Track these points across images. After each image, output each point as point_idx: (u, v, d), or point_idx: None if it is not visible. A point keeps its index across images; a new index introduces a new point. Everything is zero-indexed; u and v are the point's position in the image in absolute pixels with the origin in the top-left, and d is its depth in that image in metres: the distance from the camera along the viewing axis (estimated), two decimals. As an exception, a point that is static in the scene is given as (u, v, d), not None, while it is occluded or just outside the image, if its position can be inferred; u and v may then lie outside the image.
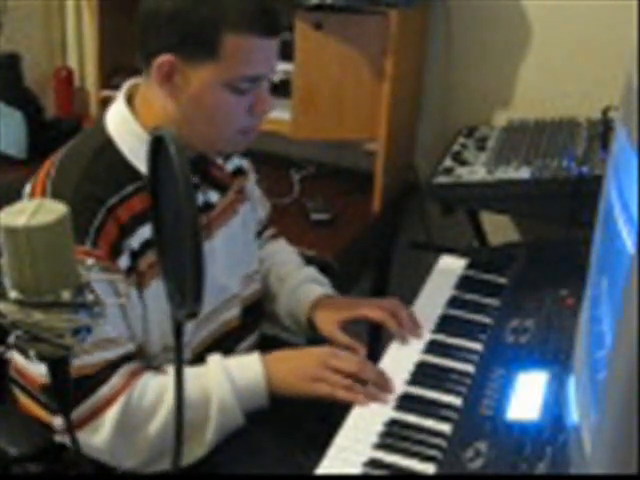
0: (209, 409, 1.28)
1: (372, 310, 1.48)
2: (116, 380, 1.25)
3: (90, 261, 1.18)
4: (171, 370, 1.30)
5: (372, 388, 1.29)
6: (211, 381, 1.30)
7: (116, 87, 2.29)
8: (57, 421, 1.25)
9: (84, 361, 1.22)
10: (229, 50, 1.24)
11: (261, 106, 1.31)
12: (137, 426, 1.26)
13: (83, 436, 1.24)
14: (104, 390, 1.24)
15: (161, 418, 1.26)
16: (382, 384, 1.30)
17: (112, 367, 1.25)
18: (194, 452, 1.29)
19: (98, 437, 1.24)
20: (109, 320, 1.24)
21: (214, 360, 1.34)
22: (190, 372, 1.30)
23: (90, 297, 0.77)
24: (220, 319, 1.44)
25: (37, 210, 0.73)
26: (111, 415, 1.24)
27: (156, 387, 1.27)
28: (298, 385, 1.31)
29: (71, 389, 0.83)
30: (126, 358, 1.28)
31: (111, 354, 1.25)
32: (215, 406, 1.28)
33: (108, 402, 1.24)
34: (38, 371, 1.24)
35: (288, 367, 1.33)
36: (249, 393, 1.30)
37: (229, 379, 1.30)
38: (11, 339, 0.76)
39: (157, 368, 1.33)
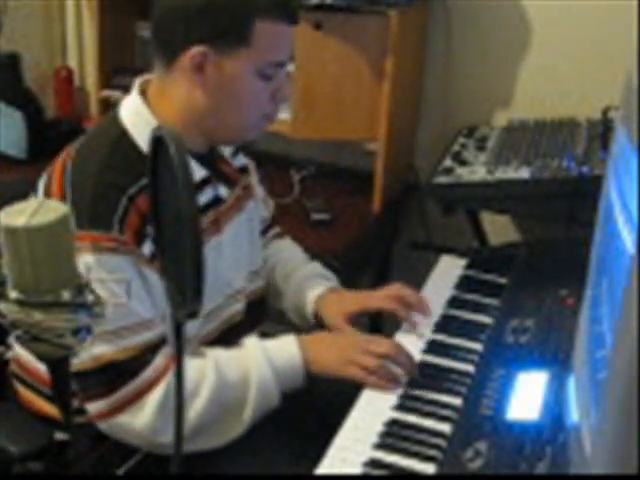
0: (248, 390, 1.31)
1: (381, 301, 1.50)
2: (158, 362, 1.27)
3: (118, 246, 1.20)
4: (210, 352, 1.33)
5: (402, 373, 1.32)
6: (250, 362, 1.32)
7: (116, 87, 2.32)
8: (90, 407, 1.26)
9: (124, 344, 1.24)
10: (260, 37, 1.28)
11: (283, 91, 1.36)
12: None
13: (125, 418, 1.26)
14: (147, 372, 1.26)
15: (202, 400, 1.28)
16: (413, 370, 1.33)
17: (153, 349, 1.27)
18: (232, 432, 1.31)
19: (140, 419, 1.26)
20: (143, 302, 1.26)
21: (251, 342, 1.36)
22: (229, 354, 1.34)
23: (90, 297, 0.77)
24: (225, 314, 1.45)
25: (37, 210, 0.73)
26: (154, 398, 1.26)
27: (196, 369, 1.29)
28: (333, 367, 1.34)
29: (71, 388, 0.83)
30: (163, 339, 1.29)
31: (149, 335, 1.27)
32: (254, 386, 1.31)
33: (151, 385, 1.26)
34: (41, 365, 1.24)
35: (324, 348, 1.36)
36: (287, 374, 1.33)
37: (268, 360, 1.32)
38: (11, 339, 0.76)
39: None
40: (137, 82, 1.38)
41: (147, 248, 1.28)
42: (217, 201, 1.41)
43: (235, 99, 1.32)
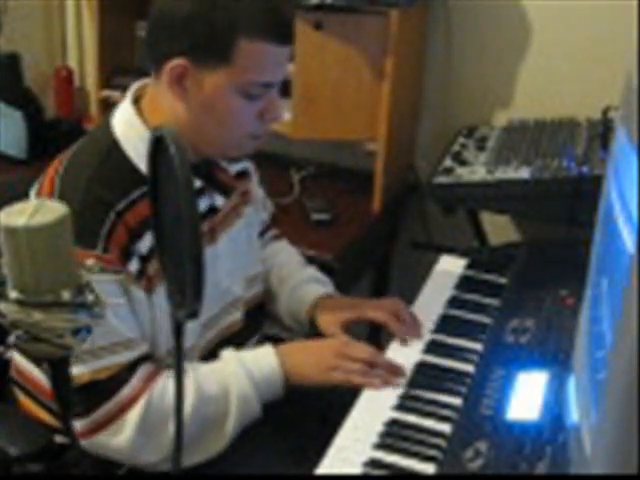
0: (229, 403, 1.30)
1: (375, 311, 1.49)
2: (136, 381, 1.26)
3: (101, 265, 1.20)
4: (189, 367, 1.31)
5: (384, 373, 1.32)
6: (229, 375, 1.31)
7: (116, 87, 2.32)
8: (76, 425, 1.24)
9: (103, 363, 1.23)
10: (242, 56, 1.24)
11: (271, 112, 1.33)
12: (158, 426, 1.26)
13: (104, 437, 1.25)
14: (125, 391, 1.25)
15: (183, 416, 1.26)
16: (393, 370, 1.33)
17: (131, 368, 1.26)
18: (215, 445, 1.31)
19: (120, 438, 1.25)
20: (125, 321, 1.25)
21: (229, 354, 1.35)
22: (207, 368, 1.33)
23: (90, 297, 0.77)
24: (223, 323, 1.45)
25: (37, 210, 0.73)
26: (133, 416, 1.25)
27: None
28: (313, 375, 1.34)
29: (71, 390, 0.83)
30: (143, 358, 1.28)
31: (129, 355, 1.26)
32: (234, 399, 1.30)
33: (129, 403, 1.25)
34: (41, 375, 1.24)
35: (303, 357, 1.36)
36: (266, 384, 1.32)
37: (246, 372, 1.31)
38: (11, 339, 0.76)
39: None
40: (132, 89, 1.36)
41: (133, 266, 1.27)
42: (212, 211, 1.40)
43: (215, 116, 1.29)
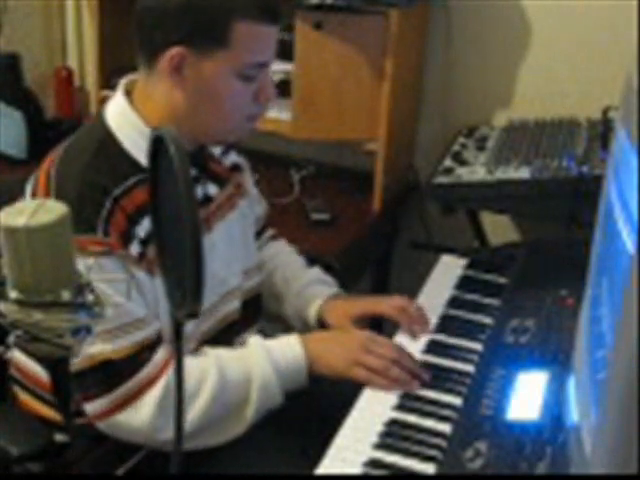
0: (250, 389, 1.31)
1: (384, 306, 1.51)
2: (157, 359, 1.27)
3: (105, 249, 1.20)
4: (211, 351, 1.33)
5: (406, 376, 1.32)
6: (252, 362, 1.33)
7: (116, 87, 2.32)
8: (88, 407, 1.26)
9: (120, 343, 1.24)
10: (239, 38, 1.27)
11: (266, 93, 1.35)
12: None
13: (123, 417, 1.26)
14: (146, 370, 1.26)
15: (204, 399, 1.28)
16: (416, 372, 1.33)
17: (151, 346, 1.28)
18: (233, 430, 1.32)
19: (138, 418, 1.26)
20: (134, 302, 1.26)
21: (254, 341, 1.37)
22: (231, 354, 1.34)
23: (90, 297, 0.77)
24: (220, 313, 1.45)
25: (37, 210, 0.73)
26: (153, 395, 1.26)
27: (197, 368, 1.29)
28: (337, 367, 1.35)
29: (71, 388, 0.83)
30: (158, 336, 1.29)
31: (144, 333, 1.27)
32: (256, 386, 1.31)
33: (150, 382, 1.26)
34: (40, 368, 1.24)
35: (328, 348, 1.37)
36: (290, 373, 1.33)
37: (270, 360, 1.32)
38: (11, 339, 0.76)
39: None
40: (122, 82, 1.38)
41: (134, 249, 1.28)
42: (206, 200, 1.41)
43: (214, 100, 1.31)
